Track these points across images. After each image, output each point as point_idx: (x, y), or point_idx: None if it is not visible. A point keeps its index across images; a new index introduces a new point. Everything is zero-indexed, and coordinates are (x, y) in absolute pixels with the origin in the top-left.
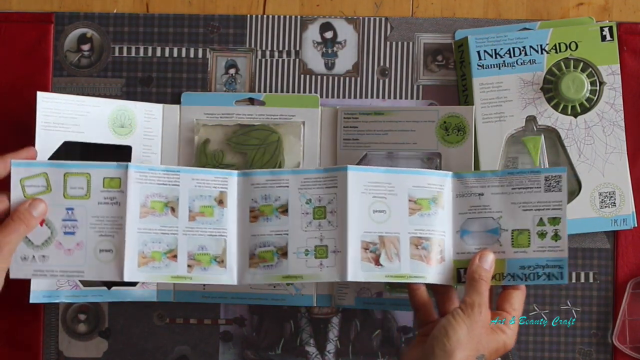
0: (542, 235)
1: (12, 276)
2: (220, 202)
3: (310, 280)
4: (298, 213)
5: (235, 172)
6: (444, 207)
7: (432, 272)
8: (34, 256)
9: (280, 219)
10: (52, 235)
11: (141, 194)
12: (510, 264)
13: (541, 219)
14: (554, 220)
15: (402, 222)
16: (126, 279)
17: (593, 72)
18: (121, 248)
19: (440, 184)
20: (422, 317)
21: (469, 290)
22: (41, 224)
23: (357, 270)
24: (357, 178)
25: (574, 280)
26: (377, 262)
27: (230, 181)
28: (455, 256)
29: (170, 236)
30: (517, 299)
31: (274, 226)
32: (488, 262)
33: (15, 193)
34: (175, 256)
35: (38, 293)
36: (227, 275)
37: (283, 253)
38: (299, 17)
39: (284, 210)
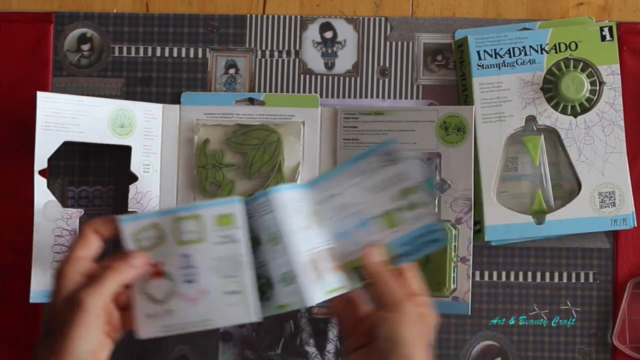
0: (402, 209)
1: (142, 336)
2: None
3: (294, 308)
4: (266, 242)
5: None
6: (316, 221)
7: (344, 280)
8: (159, 312)
9: (257, 250)
10: (173, 287)
11: None
12: (394, 246)
13: (397, 194)
14: (408, 191)
15: (323, 234)
16: (255, 319)
17: (593, 72)
18: (248, 286)
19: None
20: (347, 328)
21: (382, 289)
22: (158, 276)
23: (315, 292)
24: (285, 198)
25: (573, 280)
26: (320, 277)
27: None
28: (346, 259)
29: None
30: (412, 274)
31: (256, 258)
32: (377, 254)
33: (130, 249)
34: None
35: (38, 293)
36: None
37: (271, 284)
38: (298, 17)
39: (256, 241)
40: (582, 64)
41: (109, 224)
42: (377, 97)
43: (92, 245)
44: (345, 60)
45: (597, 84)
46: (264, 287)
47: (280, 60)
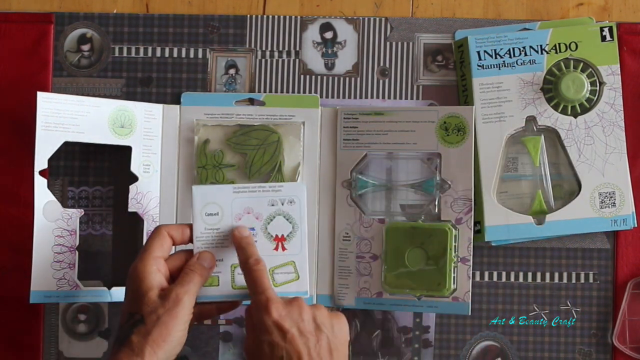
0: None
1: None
2: None
3: None
4: None
5: None
6: None
7: None
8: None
9: None
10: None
11: None
12: None
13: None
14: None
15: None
16: None
17: (593, 72)
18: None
19: None
20: None
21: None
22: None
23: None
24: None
25: (573, 281)
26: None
27: None
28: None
29: None
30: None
31: None
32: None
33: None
34: None
35: (38, 293)
36: None
37: None
38: (298, 17)
39: None
40: (582, 64)
41: (181, 230)
42: (377, 97)
43: (166, 246)
44: (345, 60)
45: (597, 84)
46: None
47: (280, 60)
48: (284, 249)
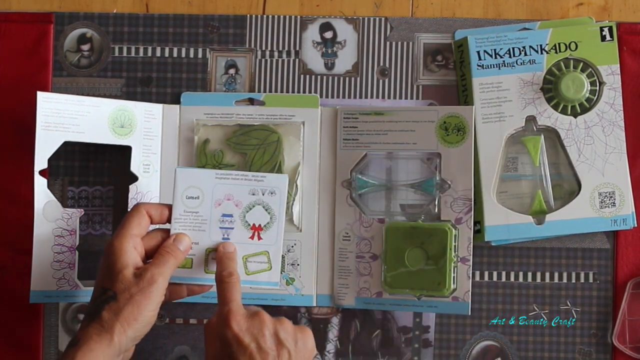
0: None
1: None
2: None
3: None
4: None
5: None
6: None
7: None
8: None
9: None
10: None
11: None
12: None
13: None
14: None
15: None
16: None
17: (593, 72)
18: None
19: None
20: None
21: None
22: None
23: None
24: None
25: (573, 280)
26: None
27: None
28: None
29: None
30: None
31: None
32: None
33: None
34: None
35: (38, 293)
36: None
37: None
38: (298, 17)
39: None
40: (582, 64)
41: (160, 209)
42: (377, 97)
43: (144, 225)
44: (345, 60)
45: (597, 84)
46: None
47: (280, 60)
48: (259, 238)
